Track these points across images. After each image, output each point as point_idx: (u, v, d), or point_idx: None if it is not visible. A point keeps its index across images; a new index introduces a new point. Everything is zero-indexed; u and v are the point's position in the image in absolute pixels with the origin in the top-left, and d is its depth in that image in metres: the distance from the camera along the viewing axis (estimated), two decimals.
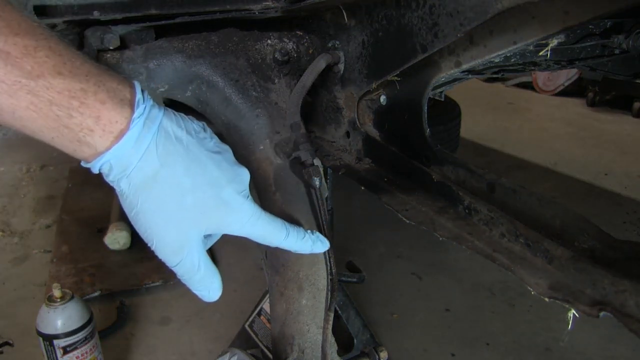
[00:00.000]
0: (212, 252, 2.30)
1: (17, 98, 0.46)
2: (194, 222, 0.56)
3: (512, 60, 0.79)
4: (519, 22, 0.57)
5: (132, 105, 0.52)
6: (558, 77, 4.73)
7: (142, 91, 0.54)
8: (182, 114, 0.58)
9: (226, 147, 0.62)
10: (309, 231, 0.68)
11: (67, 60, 0.48)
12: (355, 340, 1.49)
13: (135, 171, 0.53)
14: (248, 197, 0.60)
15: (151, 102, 0.54)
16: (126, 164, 0.52)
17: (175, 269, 0.59)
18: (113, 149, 0.51)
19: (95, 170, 0.54)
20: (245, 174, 0.61)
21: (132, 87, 0.53)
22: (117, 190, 0.55)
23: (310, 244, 0.68)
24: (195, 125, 0.59)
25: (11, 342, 1.72)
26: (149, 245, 0.57)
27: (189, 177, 0.55)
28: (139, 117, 0.51)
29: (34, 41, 0.46)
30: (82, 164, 0.55)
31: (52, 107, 0.48)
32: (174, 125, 0.55)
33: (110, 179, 0.54)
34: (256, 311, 1.38)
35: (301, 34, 0.88)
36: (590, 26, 0.72)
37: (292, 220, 0.74)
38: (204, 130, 0.60)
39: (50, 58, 0.47)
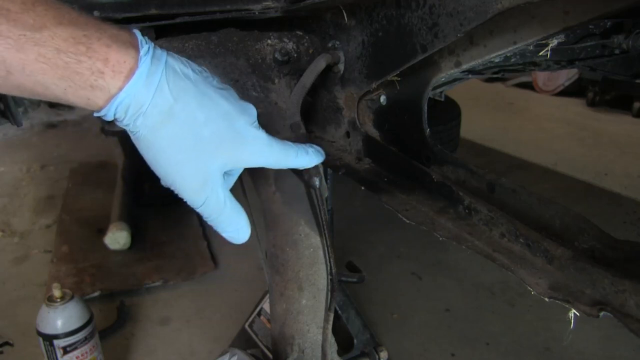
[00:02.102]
0: (212, 253, 2.31)
1: (25, 51, 0.47)
2: (212, 155, 0.57)
3: (512, 60, 0.79)
4: (519, 22, 0.57)
5: (136, 47, 0.53)
6: (558, 77, 4.73)
7: (143, 35, 0.55)
8: (190, 61, 0.59)
9: (228, 86, 0.63)
10: (307, 145, 0.69)
11: (65, 12, 0.49)
12: (355, 340, 1.49)
13: (151, 108, 0.53)
14: (259, 128, 0.61)
15: (153, 44, 0.55)
16: (141, 102, 0.53)
17: (201, 210, 0.60)
18: (126, 87, 0.51)
19: (110, 116, 0.54)
20: (252, 108, 0.62)
21: (132, 32, 0.54)
22: (133, 132, 0.55)
23: (314, 157, 0.69)
24: (196, 65, 0.59)
25: (11, 342, 1.72)
26: (171, 187, 0.59)
27: (202, 111, 0.56)
28: (145, 55, 0.52)
29: None
30: (95, 114, 0.54)
31: (60, 55, 0.48)
32: (179, 63, 0.56)
33: (125, 121, 0.54)
34: (256, 311, 1.38)
35: (301, 34, 0.88)
36: (590, 26, 0.72)
37: (291, 220, 0.74)
38: (205, 71, 0.60)
39: (49, 10, 0.48)
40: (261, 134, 0.60)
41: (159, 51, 0.55)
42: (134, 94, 0.52)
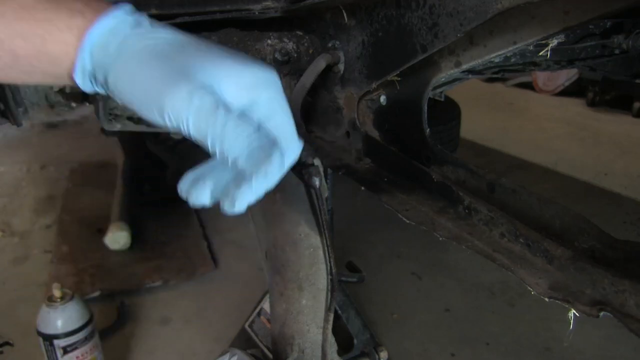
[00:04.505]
0: (212, 253, 2.31)
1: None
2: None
3: (512, 60, 0.79)
4: (519, 22, 0.57)
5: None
6: (558, 77, 4.73)
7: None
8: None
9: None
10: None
11: None
12: (355, 340, 1.49)
13: (132, 38, 0.50)
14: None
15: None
16: (122, 32, 0.50)
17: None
18: (106, 15, 0.50)
19: (85, 55, 0.50)
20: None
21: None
22: (109, 64, 0.51)
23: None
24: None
25: (11, 342, 1.72)
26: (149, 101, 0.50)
27: (198, 41, 0.52)
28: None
29: None
30: (68, 63, 0.51)
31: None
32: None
33: (111, 50, 0.50)
34: (256, 311, 1.39)
35: (301, 34, 0.88)
36: (590, 26, 0.72)
37: (291, 220, 0.74)
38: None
39: None
40: (279, 81, 0.52)
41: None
42: (116, 21, 0.50)
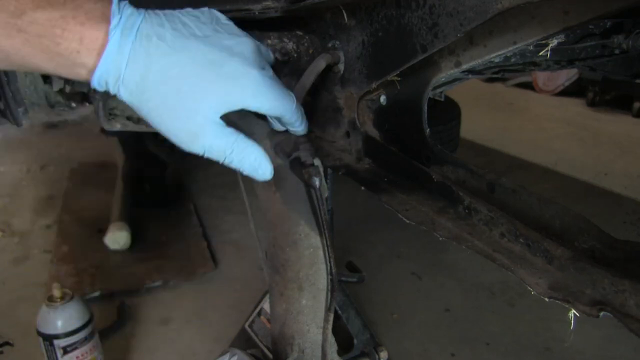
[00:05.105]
0: (212, 253, 2.31)
1: (13, 38, 0.51)
2: (197, 105, 0.58)
3: (512, 60, 0.79)
4: (519, 22, 0.57)
5: (108, 20, 0.55)
6: (558, 77, 4.73)
7: (120, 2, 0.57)
8: (174, 12, 0.60)
9: (227, 23, 0.64)
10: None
11: None
12: (355, 340, 1.49)
13: (127, 77, 0.56)
14: (256, 66, 0.61)
15: (129, 10, 0.57)
16: (117, 74, 0.56)
17: (208, 156, 0.61)
18: (100, 63, 0.55)
19: (100, 88, 0.58)
20: (246, 44, 0.63)
21: (111, 2, 0.56)
22: (124, 99, 0.59)
23: (304, 119, 0.72)
24: (189, 17, 0.60)
25: (11, 342, 1.72)
26: (175, 142, 0.60)
27: (178, 67, 0.57)
28: (114, 28, 0.55)
29: None
30: (91, 85, 0.58)
31: (41, 39, 0.52)
32: (154, 26, 0.57)
33: (112, 91, 0.58)
34: (256, 311, 1.38)
35: (301, 34, 0.88)
36: (590, 26, 0.72)
37: (291, 220, 0.74)
38: (200, 16, 0.61)
39: None
40: (255, 73, 0.60)
41: (133, 18, 0.56)
42: (108, 69, 0.55)
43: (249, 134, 0.82)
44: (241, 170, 0.65)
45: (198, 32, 0.59)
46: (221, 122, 0.61)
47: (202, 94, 0.58)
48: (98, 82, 0.56)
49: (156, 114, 0.58)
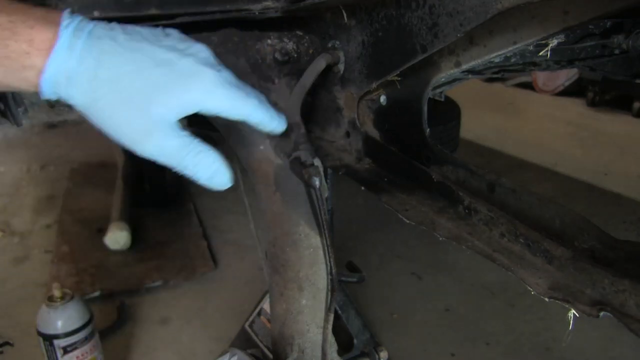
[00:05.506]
0: (212, 253, 2.30)
1: None
2: (150, 104, 0.56)
3: (512, 60, 0.79)
4: (519, 22, 0.57)
5: (59, 24, 0.55)
6: (558, 77, 4.73)
7: (71, 14, 0.56)
8: (129, 26, 0.59)
9: (182, 35, 0.62)
10: (274, 108, 0.67)
11: None
12: (355, 340, 1.49)
13: (79, 76, 0.55)
14: (210, 67, 0.59)
15: (80, 18, 0.57)
16: (67, 73, 0.55)
17: (161, 161, 0.58)
18: (49, 61, 0.54)
19: (49, 93, 0.56)
20: (201, 47, 0.61)
21: (61, 12, 0.56)
22: (75, 104, 0.57)
23: (275, 117, 0.66)
24: (141, 27, 0.60)
25: (11, 342, 1.72)
26: (126, 144, 0.58)
27: (130, 65, 0.56)
28: (65, 27, 0.54)
29: None
30: (41, 96, 0.57)
31: None
32: (106, 30, 0.57)
33: (63, 95, 0.56)
34: (256, 311, 1.38)
35: (301, 34, 0.88)
36: (590, 26, 0.72)
37: (291, 220, 0.74)
38: (153, 29, 0.60)
39: None
40: (209, 71, 0.58)
41: (85, 23, 0.56)
42: (58, 67, 0.54)
43: (248, 133, 0.82)
44: (197, 178, 0.60)
45: (150, 37, 0.59)
46: (176, 123, 0.58)
47: (155, 91, 0.56)
48: (48, 85, 0.55)
49: (108, 113, 0.56)
